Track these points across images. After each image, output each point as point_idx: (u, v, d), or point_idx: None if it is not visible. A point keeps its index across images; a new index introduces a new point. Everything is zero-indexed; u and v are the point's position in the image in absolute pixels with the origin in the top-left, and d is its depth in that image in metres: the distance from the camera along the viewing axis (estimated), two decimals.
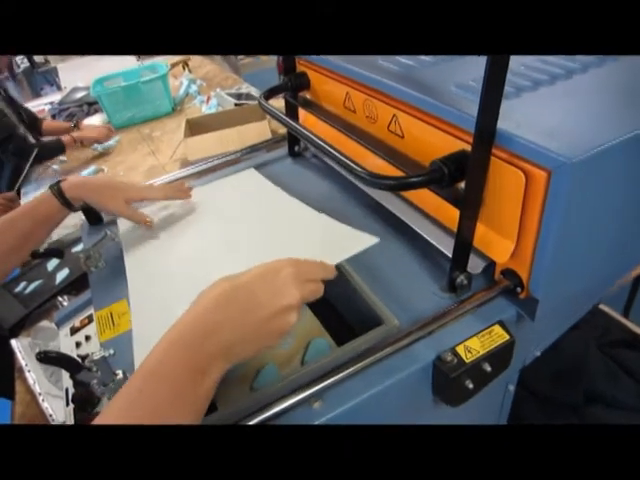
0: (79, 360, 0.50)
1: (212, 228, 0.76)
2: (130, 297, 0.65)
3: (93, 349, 0.81)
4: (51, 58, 3.97)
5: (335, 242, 0.64)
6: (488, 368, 0.54)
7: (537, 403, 0.97)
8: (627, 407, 0.93)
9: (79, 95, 2.41)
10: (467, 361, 0.53)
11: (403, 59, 0.69)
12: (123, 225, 0.81)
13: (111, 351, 0.52)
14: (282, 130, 1.60)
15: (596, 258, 0.58)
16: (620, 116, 0.51)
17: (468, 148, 0.52)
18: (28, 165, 1.61)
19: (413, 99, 0.60)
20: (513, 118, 0.51)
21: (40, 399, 0.96)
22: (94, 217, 0.86)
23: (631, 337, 1.02)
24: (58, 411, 0.92)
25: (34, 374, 1.02)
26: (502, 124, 0.49)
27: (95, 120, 2.18)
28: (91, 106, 2.28)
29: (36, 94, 3.51)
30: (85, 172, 1.74)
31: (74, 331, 0.87)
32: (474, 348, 0.54)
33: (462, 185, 0.54)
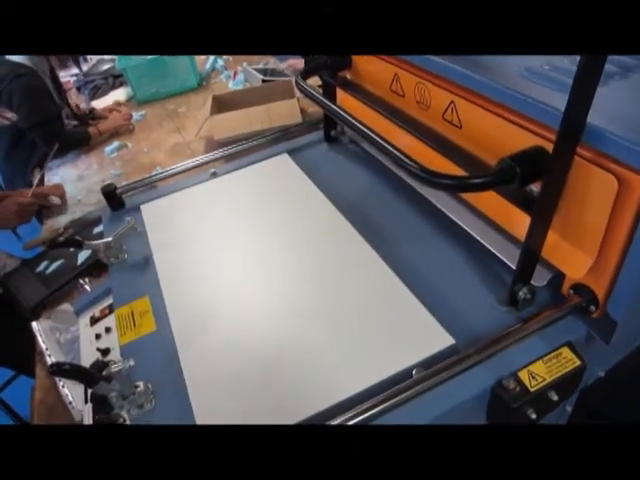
0: (95, 372, 0.45)
1: (242, 225, 0.70)
2: (164, 294, 0.61)
3: (113, 342, 0.77)
4: None
5: (400, 327, 0.53)
6: (555, 397, 0.47)
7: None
8: None
9: (105, 67, 2.36)
10: (531, 389, 0.46)
11: None
12: (148, 214, 0.75)
13: (131, 362, 0.47)
14: (311, 109, 1.52)
15: None
16: None
17: (545, 145, 0.45)
18: (51, 155, 1.58)
19: (477, 84, 0.52)
20: (602, 110, 0.43)
21: (60, 385, 0.93)
22: (117, 202, 0.81)
23: None
24: (78, 399, 0.90)
25: (54, 358, 1.00)
26: (590, 118, 0.41)
27: (120, 94, 2.13)
28: (116, 79, 2.23)
29: (62, 65, 3.47)
30: (109, 148, 1.70)
31: (94, 321, 0.83)
32: (539, 374, 0.47)
33: (534, 187, 0.47)
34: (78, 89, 2.27)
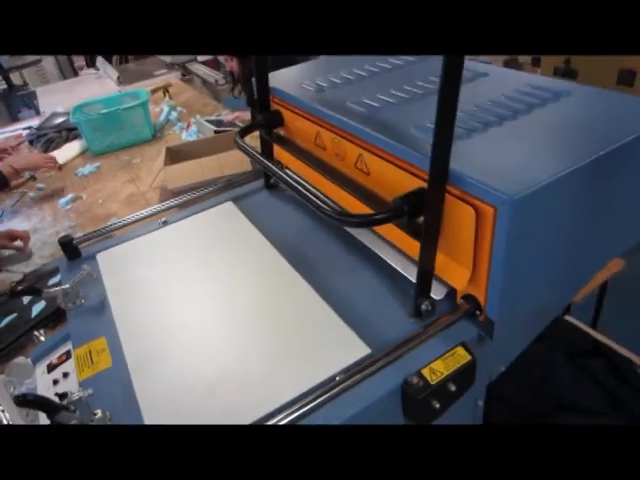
0: (57, 401, 0.52)
1: (190, 267, 0.80)
2: (119, 332, 0.69)
3: (71, 386, 0.83)
4: (30, 81, 3.98)
5: (325, 342, 0.63)
6: (453, 388, 0.58)
7: (511, 413, 1.02)
8: (594, 413, 0.99)
9: (58, 120, 2.41)
10: (432, 383, 0.57)
11: (368, 100, 0.75)
12: (103, 261, 0.84)
13: (90, 391, 0.55)
14: None
15: (545, 280, 0.63)
16: (559, 154, 0.57)
17: (426, 185, 0.58)
18: None
19: (376, 140, 0.65)
20: (464, 158, 0.57)
21: None
22: (73, 252, 0.88)
23: (596, 346, 1.08)
24: None
25: (8, 414, 1.01)
26: (454, 164, 0.55)
27: (74, 146, 2.18)
28: (70, 132, 2.28)
29: (14, 117, 3.50)
30: (63, 200, 1.75)
31: (51, 368, 0.86)
32: (439, 370, 0.58)
33: (422, 219, 0.59)
34: (30, 142, 2.29)
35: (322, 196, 0.63)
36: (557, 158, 0.56)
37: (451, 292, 0.65)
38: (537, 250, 0.58)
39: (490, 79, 0.78)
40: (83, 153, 2.14)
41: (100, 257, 0.86)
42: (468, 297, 0.63)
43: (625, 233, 0.71)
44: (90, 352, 0.69)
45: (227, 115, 2.21)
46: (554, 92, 0.70)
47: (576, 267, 0.67)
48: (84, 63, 4.29)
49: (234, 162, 1.58)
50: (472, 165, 0.56)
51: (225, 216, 0.91)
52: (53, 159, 1.89)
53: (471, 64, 0.83)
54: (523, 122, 0.64)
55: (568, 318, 1.28)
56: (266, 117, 0.87)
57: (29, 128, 2.47)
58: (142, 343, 0.67)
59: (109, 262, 0.84)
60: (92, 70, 3.45)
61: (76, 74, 3.54)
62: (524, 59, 3.31)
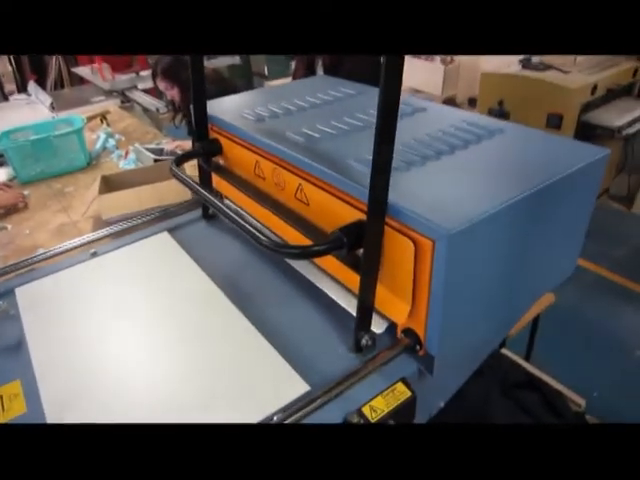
0: None
1: (120, 303, 0.74)
2: (36, 374, 0.63)
3: None
4: None
5: (262, 379, 0.61)
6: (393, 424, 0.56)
7: None
8: None
9: None
10: (372, 421, 0.55)
11: (308, 131, 0.74)
12: (22, 297, 0.76)
13: None
14: None
15: (482, 314, 0.64)
16: (494, 189, 0.58)
17: (365, 217, 0.57)
18: None
19: (315, 170, 0.64)
20: (403, 191, 0.57)
21: None
22: None
23: (530, 379, 1.10)
24: None
25: None
26: (394, 197, 0.54)
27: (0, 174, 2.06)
28: None
29: None
30: None
31: None
32: (379, 407, 0.57)
33: (362, 251, 0.58)
34: None
35: (261, 227, 0.60)
36: (493, 193, 0.57)
37: (392, 326, 0.64)
38: (474, 283, 0.58)
39: (428, 114, 0.80)
40: (10, 181, 2.01)
41: (19, 292, 0.78)
42: (408, 331, 0.62)
43: (555, 268, 0.73)
44: (2, 397, 0.61)
45: (168, 144, 2.16)
46: (489, 130, 0.72)
47: (511, 301, 0.68)
48: (14, 87, 4.11)
49: (174, 192, 1.53)
50: (411, 198, 0.56)
51: (160, 247, 0.86)
52: (19, 194, 1.78)
53: (411, 99, 0.86)
54: (459, 157, 0.66)
55: (503, 351, 1.31)
56: (204, 145, 0.85)
57: None
58: (62, 385, 0.61)
59: (29, 297, 0.77)
60: (23, 95, 3.29)
61: (6, 99, 3.37)
62: (461, 100, 3.51)
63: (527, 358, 1.50)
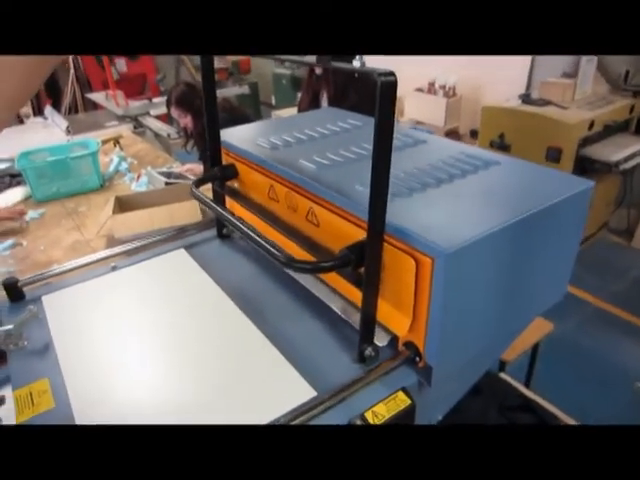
0: None
1: (140, 312, 0.80)
2: (64, 373, 0.67)
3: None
4: None
5: (272, 384, 0.65)
6: None
7: None
8: None
9: (1, 166, 2.36)
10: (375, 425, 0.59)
11: (319, 158, 0.81)
12: (49, 303, 0.82)
13: None
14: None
15: (479, 329, 0.68)
16: (488, 214, 0.64)
17: None
18: None
19: (325, 194, 0.70)
20: (406, 214, 0.63)
21: None
22: (17, 294, 0.86)
23: (526, 402, 1.14)
24: None
25: None
26: (396, 219, 0.60)
27: (16, 192, 2.13)
28: (14, 178, 2.24)
29: None
30: (1, 245, 1.68)
31: None
32: (380, 413, 0.61)
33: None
34: None
35: (274, 243, 0.66)
36: (487, 217, 0.63)
37: (394, 339, 0.69)
38: (471, 299, 0.63)
39: (429, 146, 0.87)
40: (26, 200, 2.08)
41: (46, 299, 0.84)
42: (409, 344, 0.66)
43: (546, 291, 0.78)
44: (31, 394, 0.66)
45: (178, 167, 2.24)
46: (485, 161, 0.78)
47: (505, 318, 0.73)
48: (30, 111, 4.24)
49: (185, 213, 1.60)
50: (413, 220, 0.61)
51: (177, 263, 0.92)
52: (16, 213, 1.84)
53: (413, 132, 0.92)
54: (457, 185, 0.72)
55: (502, 376, 1.35)
56: (221, 170, 0.91)
57: None
58: (88, 384, 0.66)
59: (55, 304, 0.82)
60: (40, 118, 3.41)
61: (21, 122, 3.49)
62: (463, 131, 3.61)
63: (527, 385, 1.53)
